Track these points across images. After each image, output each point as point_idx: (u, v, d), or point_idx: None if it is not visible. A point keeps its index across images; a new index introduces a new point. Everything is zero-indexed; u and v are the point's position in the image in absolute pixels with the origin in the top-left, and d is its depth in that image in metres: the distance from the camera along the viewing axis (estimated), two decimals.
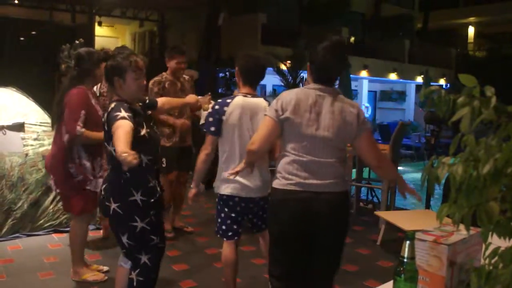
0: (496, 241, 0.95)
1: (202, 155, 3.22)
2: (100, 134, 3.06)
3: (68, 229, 4.87)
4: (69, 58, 7.20)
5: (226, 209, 3.27)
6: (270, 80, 15.52)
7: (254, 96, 3.25)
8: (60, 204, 5.01)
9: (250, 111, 3.18)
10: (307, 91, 2.54)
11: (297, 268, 2.65)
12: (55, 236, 4.90)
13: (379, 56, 20.22)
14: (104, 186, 2.84)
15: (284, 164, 2.54)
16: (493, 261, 0.95)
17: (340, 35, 2.67)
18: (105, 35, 19.53)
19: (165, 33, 18.22)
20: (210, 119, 3.18)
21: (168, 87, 4.83)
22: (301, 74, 14.60)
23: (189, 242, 5.03)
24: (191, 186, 3.32)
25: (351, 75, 16.60)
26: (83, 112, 3.56)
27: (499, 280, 0.90)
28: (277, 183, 2.56)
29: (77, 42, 7.49)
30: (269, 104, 3.06)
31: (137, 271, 2.89)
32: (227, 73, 15.57)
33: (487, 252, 0.96)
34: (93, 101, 3.73)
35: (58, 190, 3.83)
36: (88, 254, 4.05)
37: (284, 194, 2.52)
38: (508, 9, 22.98)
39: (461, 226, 0.97)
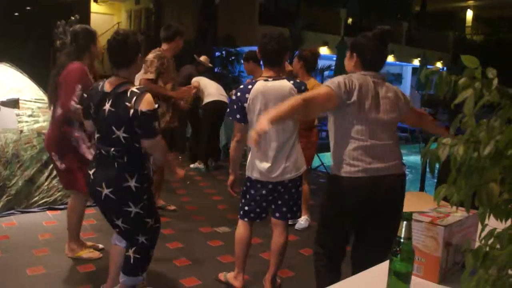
0: (492, 223, 0.95)
1: (233, 143, 3.23)
2: None
3: (62, 206, 4.90)
4: (64, 34, 7.13)
5: (252, 191, 3.27)
6: None
7: (276, 78, 3.15)
8: (54, 181, 5.01)
9: (273, 95, 3.09)
10: (364, 77, 2.65)
11: (343, 247, 2.88)
12: (49, 213, 4.90)
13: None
14: (93, 170, 2.81)
15: (348, 150, 2.58)
16: (489, 242, 0.96)
17: (386, 25, 2.73)
18: (100, 12, 19.34)
19: (161, 11, 18.04)
20: (234, 106, 3.16)
21: (167, 63, 4.76)
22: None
23: (184, 221, 5.04)
24: (229, 172, 3.33)
25: None
26: (79, 87, 3.53)
27: (496, 261, 0.91)
28: (341, 171, 2.59)
29: (72, 18, 7.40)
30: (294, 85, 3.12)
31: (133, 248, 2.92)
32: (224, 52, 15.50)
33: (483, 234, 0.97)
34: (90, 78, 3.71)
35: (64, 166, 3.74)
36: (82, 231, 4.05)
37: (351, 181, 2.57)
38: None
39: (458, 207, 0.97)
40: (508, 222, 0.93)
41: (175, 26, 4.88)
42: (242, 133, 3.18)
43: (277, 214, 3.34)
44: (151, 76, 4.56)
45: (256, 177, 3.22)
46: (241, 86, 3.19)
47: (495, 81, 0.91)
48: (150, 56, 4.65)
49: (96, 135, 2.85)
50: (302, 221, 5.13)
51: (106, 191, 2.75)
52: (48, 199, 4.99)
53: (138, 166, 2.80)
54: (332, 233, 2.81)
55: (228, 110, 3.25)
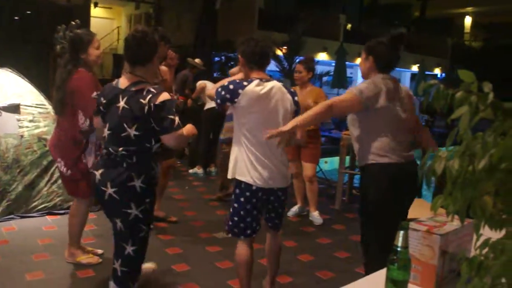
0: (487, 232, 0.98)
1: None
2: None
3: (62, 211, 4.92)
4: (64, 39, 7.15)
5: (242, 199, 3.10)
6: None
7: (268, 80, 3.09)
8: (54, 186, 5.03)
9: (266, 95, 3.02)
10: (386, 81, 2.95)
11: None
12: (49, 218, 4.92)
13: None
14: (100, 171, 2.79)
15: (385, 143, 2.94)
16: (484, 251, 0.98)
17: (399, 30, 3.00)
18: (100, 16, 19.37)
19: (161, 16, 18.09)
20: (223, 92, 3.02)
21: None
22: (297, 60, 14.55)
23: (183, 227, 5.06)
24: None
25: (346, 62, 16.62)
26: (95, 93, 3.50)
27: (490, 271, 0.93)
28: (382, 160, 2.94)
29: (72, 23, 7.43)
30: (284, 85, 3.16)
31: (119, 261, 2.87)
32: (223, 57, 15.52)
33: (478, 243, 0.99)
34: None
35: (70, 173, 3.73)
36: (82, 236, 4.07)
37: (390, 167, 2.94)
38: (504, 0, 22.96)
39: (454, 217, 1.00)
40: (503, 232, 0.96)
41: (160, 31, 4.62)
42: (211, 99, 3.20)
43: (270, 224, 3.31)
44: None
45: (247, 181, 3.06)
46: (237, 81, 3.05)
47: (491, 96, 0.93)
48: None
49: (107, 133, 2.79)
50: (317, 216, 5.45)
51: (110, 190, 2.72)
52: (47, 204, 5.01)
53: (146, 166, 2.79)
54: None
55: (217, 89, 3.07)
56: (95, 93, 3.50)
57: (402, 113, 2.97)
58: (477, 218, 0.91)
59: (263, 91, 3.01)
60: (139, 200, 2.78)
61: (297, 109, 3.19)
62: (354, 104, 2.87)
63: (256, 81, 3.02)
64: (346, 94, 2.92)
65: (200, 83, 7.50)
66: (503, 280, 0.92)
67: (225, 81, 3.16)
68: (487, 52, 22.52)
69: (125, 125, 2.69)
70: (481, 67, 17.47)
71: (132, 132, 2.68)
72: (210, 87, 7.35)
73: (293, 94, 3.18)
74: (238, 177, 3.09)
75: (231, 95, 2.99)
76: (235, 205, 3.15)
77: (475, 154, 0.88)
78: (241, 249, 3.19)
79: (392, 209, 2.97)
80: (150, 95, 2.66)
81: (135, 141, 2.71)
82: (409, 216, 3.22)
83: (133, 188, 2.73)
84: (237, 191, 3.13)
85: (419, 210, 4.56)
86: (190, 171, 7.72)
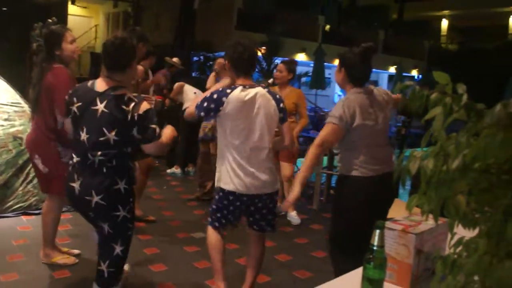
0: (461, 231, 1.00)
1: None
2: None
3: (37, 211, 4.85)
4: (41, 37, 7.07)
5: (225, 202, 3.14)
6: None
7: (252, 86, 3.08)
8: (30, 186, 4.96)
9: (250, 101, 3.01)
10: (359, 95, 3.04)
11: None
12: (24, 218, 4.85)
13: (353, 45, 20.24)
14: (78, 182, 2.72)
15: (359, 157, 3.01)
16: (457, 250, 1.00)
17: (370, 42, 3.07)
18: (78, 14, 19.17)
19: (140, 15, 17.98)
20: (205, 104, 3.01)
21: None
22: (276, 61, 14.58)
23: (161, 226, 5.04)
24: None
25: (325, 63, 16.71)
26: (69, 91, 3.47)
27: (463, 269, 0.95)
28: (357, 173, 3.01)
29: (49, 20, 7.34)
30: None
31: (107, 262, 2.85)
32: (202, 57, 15.48)
33: (452, 242, 1.01)
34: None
35: (47, 170, 3.67)
36: (58, 237, 4.02)
37: (365, 180, 3.02)
38: (480, 3, 23.38)
39: (429, 216, 1.01)
40: (476, 231, 0.98)
41: (139, 31, 4.61)
42: (192, 117, 3.17)
43: (256, 227, 3.29)
44: None
45: (231, 189, 3.08)
46: (220, 89, 3.06)
47: (465, 97, 0.95)
48: None
49: (85, 137, 2.70)
50: (295, 216, 5.51)
51: (96, 198, 2.69)
52: (23, 204, 4.94)
53: (127, 168, 2.79)
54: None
55: (198, 103, 3.07)
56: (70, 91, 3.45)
57: (378, 125, 3.07)
58: (451, 217, 0.93)
59: (247, 97, 3.01)
60: (125, 201, 2.79)
61: (283, 116, 3.17)
62: (339, 133, 2.98)
63: (239, 88, 3.03)
64: (329, 127, 2.98)
65: (178, 83, 7.49)
66: (476, 277, 0.94)
67: (199, 98, 3.13)
68: (463, 55, 22.84)
69: (104, 130, 2.66)
70: (457, 69, 17.74)
71: (112, 137, 2.66)
72: (188, 90, 7.37)
73: (278, 101, 3.15)
74: (223, 186, 3.11)
75: (216, 104, 2.99)
76: (219, 205, 3.18)
77: (449, 154, 0.89)
78: (212, 236, 3.29)
79: (365, 225, 3.05)
80: (133, 104, 2.66)
81: (113, 146, 2.69)
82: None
83: (118, 191, 2.74)
84: (221, 193, 3.14)
85: (396, 209, 4.61)
86: (168, 171, 7.70)
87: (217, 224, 3.25)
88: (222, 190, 3.12)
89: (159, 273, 3.88)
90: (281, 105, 3.16)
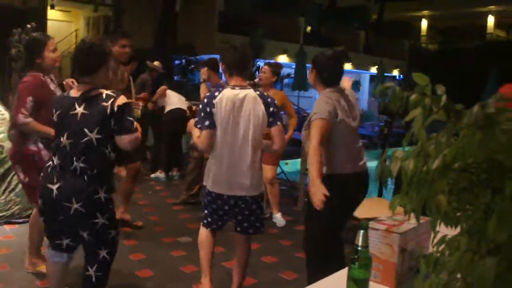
0: (444, 229, 1.01)
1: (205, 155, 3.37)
2: (51, 130, 3.03)
3: (20, 220, 4.80)
4: (20, 43, 7.00)
5: (214, 206, 3.25)
6: None
7: (243, 87, 3.18)
8: (12, 194, 4.91)
9: (238, 103, 3.10)
10: (333, 94, 3.13)
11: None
12: (7, 227, 4.78)
13: (335, 46, 20.41)
14: (57, 185, 2.70)
15: (339, 155, 3.13)
16: (440, 248, 1.01)
17: (351, 42, 3.19)
18: (58, 19, 18.98)
19: (121, 19, 17.87)
20: (202, 114, 3.12)
21: (112, 76, 4.62)
22: (258, 63, 14.59)
23: (146, 231, 5.01)
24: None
25: (307, 65, 16.79)
26: (29, 99, 3.40)
27: (446, 266, 0.97)
28: (340, 171, 3.12)
29: (28, 26, 7.27)
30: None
31: (95, 266, 2.87)
32: (183, 60, 15.43)
33: (435, 240, 1.03)
34: (52, 87, 3.62)
35: (27, 180, 3.59)
36: (42, 245, 3.98)
37: (346, 178, 3.13)
38: (459, 4, 23.68)
39: (412, 215, 1.03)
40: (458, 229, 0.99)
41: (120, 31, 4.64)
42: (211, 140, 3.12)
43: (238, 229, 3.33)
44: None
45: (214, 190, 3.19)
46: (208, 94, 3.20)
47: (444, 98, 0.97)
48: None
49: (66, 142, 2.71)
50: (280, 218, 5.50)
51: (76, 205, 2.67)
52: (5, 212, 4.87)
53: (106, 176, 2.80)
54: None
55: (196, 119, 3.19)
56: (30, 99, 3.42)
57: (353, 122, 3.19)
58: (432, 216, 0.94)
59: (236, 98, 3.10)
60: (104, 210, 2.80)
61: (274, 120, 3.18)
62: (329, 127, 3.02)
63: (227, 88, 3.15)
64: (319, 123, 2.98)
65: (162, 87, 7.50)
66: (458, 275, 0.95)
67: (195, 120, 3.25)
68: (443, 54, 23.09)
69: (85, 130, 2.67)
70: (437, 69, 17.93)
71: (94, 136, 2.67)
72: (171, 94, 7.39)
73: (269, 104, 3.18)
74: (206, 184, 3.24)
75: (209, 107, 3.10)
76: (205, 200, 3.31)
77: (429, 154, 0.91)
78: (203, 234, 3.37)
79: (337, 217, 3.22)
80: (112, 99, 2.70)
81: (96, 147, 2.70)
82: (370, 215, 3.30)
83: (99, 200, 2.75)
84: (206, 190, 3.25)
85: (380, 208, 4.65)
86: (152, 175, 7.66)
87: (205, 222, 3.35)
88: (207, 188, 3.24)
89: (146, 279, 3.86)
90: (271, 108, 3.18)
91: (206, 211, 3.33)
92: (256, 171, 3.20)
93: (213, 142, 3.13)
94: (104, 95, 2.71)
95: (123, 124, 2.71)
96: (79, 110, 2.69)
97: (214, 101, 3.09)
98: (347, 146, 3.15)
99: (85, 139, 2.67)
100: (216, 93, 3.13)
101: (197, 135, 3.16)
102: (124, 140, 2.75)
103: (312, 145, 2.94)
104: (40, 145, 3.55)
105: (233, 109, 3.09)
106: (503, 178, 0.86)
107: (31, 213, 3.93)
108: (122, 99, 2.72)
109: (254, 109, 3.12)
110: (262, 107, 3.14)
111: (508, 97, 0.87)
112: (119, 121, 2.70)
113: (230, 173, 3.13)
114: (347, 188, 3.13)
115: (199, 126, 3.14)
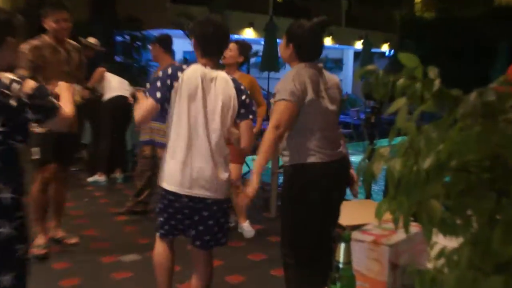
0: (443, 239, 1.01)
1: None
2: None
3: None
4: None
5: (170, 210, 3.23)
6: (180, 45, 15.38)
7: (214, 68, 3.22)
8: None
9: (207, 83, 3.13)
10: (310, 70, 3.21)
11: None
12: None
13: (311, 18, 20.45)
14: None
15: (311, 141, 3.19)
16: (438, 263, 1.02)
17: (321, 15, 3.19)
18: None
19: None
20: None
21: (50, 55, 4.57)
22: None
23: (81, 250, 4.94)
24: None
25: (279, 40, 16.78)
26: None
27: (444, 287, 0.97)
28: (314, 159, 3.19)
29: None
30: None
31: None
32: (127, 36, 15.24)
33: (432, 254, 1.03)
34: None
35: None
36: None
37: (320, 167, 3.20)
38: None
39: (400, 224, 1.03)
40: (460, 239, 0.99)
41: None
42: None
43: (198, 243, 3.27)
44: (23, 73, 4.31)
45: (169, 188, 3.17)
46: (175, 64, 3.27)
47: (437, 82, 0.97)
48: (25, 47, 4.34)
49: None
50: (248, 228, 5.54)
51: None
52: None
53: (15, 173, 2.71)
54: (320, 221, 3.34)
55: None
56: None
57: (330, 105, 3.27)
58: (423, 225, 0.93)
59: (206, 77, 3.13)
60: (10, 215, 2.64)
61: (244, 112, 3.25)
62: (293, 111, 3.11)
63: (198, 65, 3.17)
64: (281, 105, 3.10)
65: (99, 69, 7.36)
66: None
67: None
68: (441, 24, 23.29)
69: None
70: (435, 42, 18.13)
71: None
72: (111, 77, 7.29)
73: (241, 92, 3.23)
74: (162, 184, 3.21)
75: (171, 79, 3.09)
76: (160, 205, 3.29)
77: (420, 151, 0.90)
78: (158, 248, 3.36)
79: (317, 214, 3.27)
80: (17, 85, 2.59)
81: (2, 139, 2.59)
82: (356, 222, 3.33)
83: (4, 200, 2.60)
84: (163, 192, 3.24)
85: (368, 213, 4.67)
86: (90, 179, 7.56)
87: (162, 232, 3.31)
88: (162, 189, 3.23)
89: None
90: (244, 97, 3.23)
91: (161, 218, 3.29)
92: (222, 166, 3.20)
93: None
94: (5, 80, 2.58)
95: (44, 111, 2.67)
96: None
97: (179, 73, 3.10)
98: (322, 132, 3.21)
99: None
100: (184, 66, 3.17)
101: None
102: (55, 125, 2.78)
103: (269, 126, 3.07)
104: None
105: (200, 89, 3.10)
106: (510, 178, 0.86)
107: None
108: (30, 83, 2.65)
109: (224, 93, 3.13)
110: (234, 93, 3.17)
111: None
112: (37, 109, 2.63)
113: (189, 166, 3.09)
114: (323, 179, 3.22)
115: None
